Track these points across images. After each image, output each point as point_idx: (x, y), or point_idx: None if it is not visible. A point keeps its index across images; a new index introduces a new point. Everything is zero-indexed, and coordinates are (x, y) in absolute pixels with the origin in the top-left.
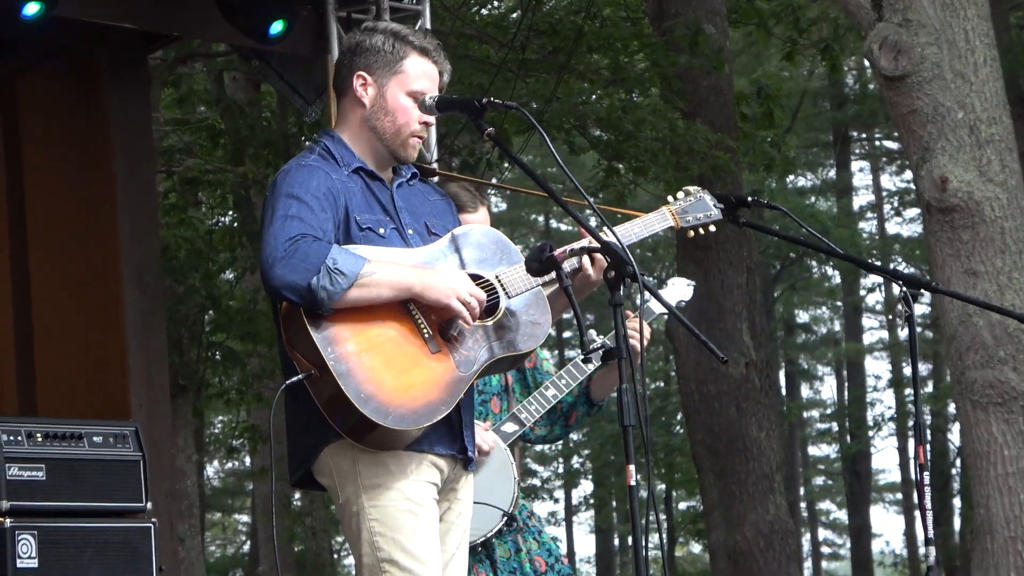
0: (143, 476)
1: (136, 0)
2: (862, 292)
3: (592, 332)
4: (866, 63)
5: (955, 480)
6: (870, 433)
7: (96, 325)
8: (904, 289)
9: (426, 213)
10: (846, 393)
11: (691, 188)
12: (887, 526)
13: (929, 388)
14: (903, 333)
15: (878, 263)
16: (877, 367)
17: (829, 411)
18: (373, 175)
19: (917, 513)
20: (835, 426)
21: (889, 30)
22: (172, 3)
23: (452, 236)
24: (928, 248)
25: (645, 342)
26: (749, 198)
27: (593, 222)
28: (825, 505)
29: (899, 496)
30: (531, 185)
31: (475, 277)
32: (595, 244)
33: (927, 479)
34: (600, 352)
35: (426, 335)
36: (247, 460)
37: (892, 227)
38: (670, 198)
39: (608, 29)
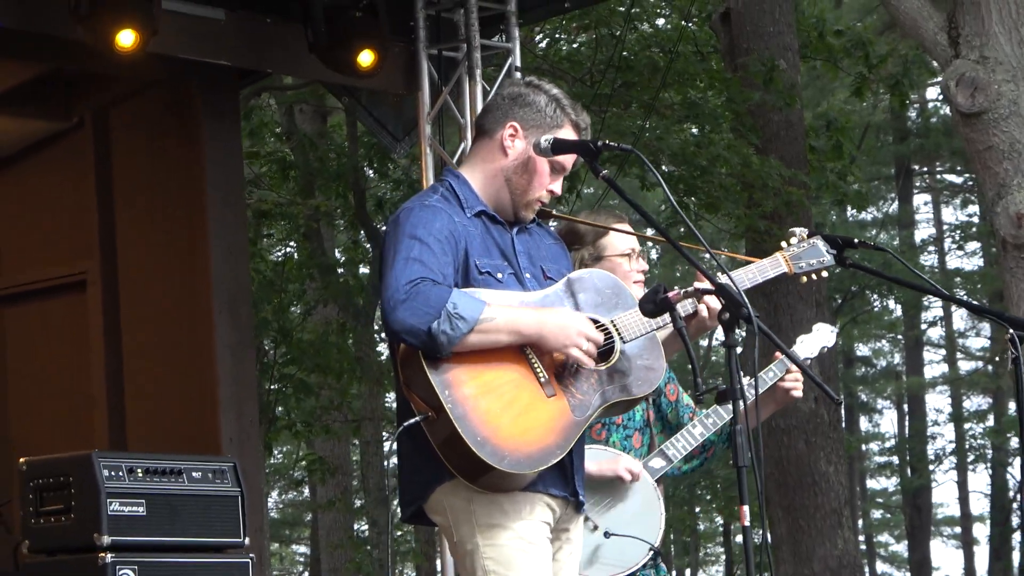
0: (241, 511)
1: (229, 36)
2: (923, 326)
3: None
4: (928, 96)
5: (1015, 514)
6: (931, 467)
7: (187, 358)
8: (1012, 332)
9: (542, 257)
10: (907, 426)
11: (802, 232)
12: (946, 560)
13: (990, 422)
14: (965, 366)
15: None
16: (938, 401)
17: (888, 444)
18: (494, 219)
19: (975, 548)
20: (895, 459)
21: (966, 67)
22: (264, 40)
23: (568, 280)
24: (1004, 284)
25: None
26: (855, 240)
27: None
28: (883, 538)
29: (958, 530)
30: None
31: (591, 321)
32: (709, 286)
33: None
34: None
35: (542, 379)
36: (305, 491)
37: (953, 261)
38: (783, 244)
39: (681, 64)
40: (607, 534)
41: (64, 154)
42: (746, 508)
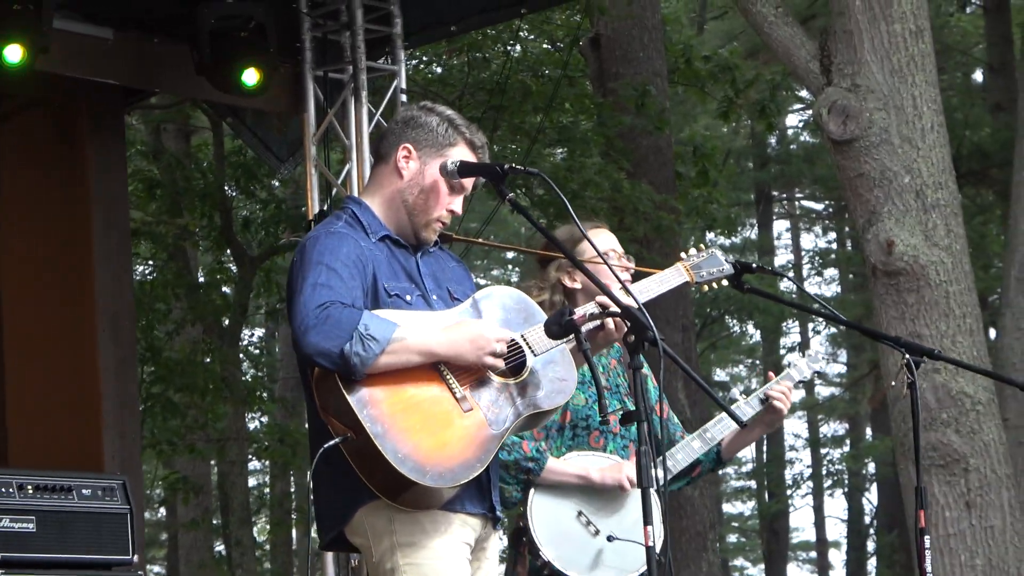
0: (130, 529)
1: (117, 56)
2: (782, 351)
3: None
4: (788, 123)
5: (871, 539)
6: (788, 492)
7: (70, 376)
8: (907, 357)
9: (447, 279)
10: (764, 451)
11: (703, 244)
12: None
13: (847, 448)
14: (823, 392)
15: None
16: (796, 426)
17: (746, 469)
18: (398, 243)
19: (831, 573)
20: (753, 484)
21: (838, 95)
22: (151, 59)
23: (474, 299)
24: (874, 310)
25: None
26: (754, 265)
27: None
28: (739, 562)
29: (814, 555)
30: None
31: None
32: (614, 308)
33: (927, 542)
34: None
35: (458, 395)
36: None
37: (811, 287)
38: (683, 254)
39: (548, 87)
40: (610, 538)
41: None
42: (650, 528)
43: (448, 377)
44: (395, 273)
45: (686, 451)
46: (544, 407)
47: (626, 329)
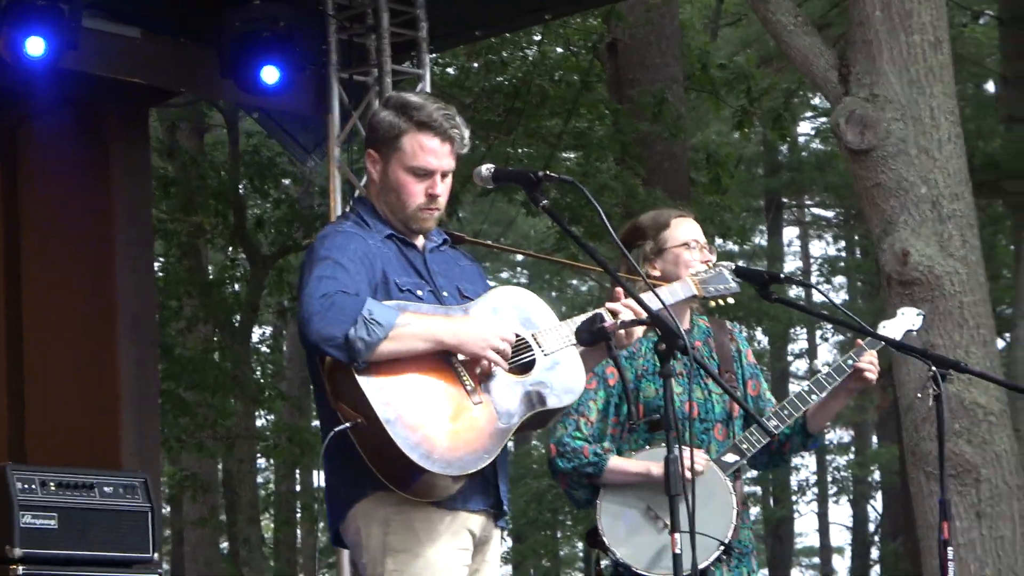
0: (151, 527)
1: (144, 56)
2: (789, 358)
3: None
4: (800, 131)
5: (875, 547)
6: (793, 498)
7: (90, 373)
8: (934, 369)
9: (458, 277)
10: None
11: (713, 261)
12: None
13: (851, 455)
14: None
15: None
16: None
17: (752, 474)
18: (405, 241)
19: None
20: (758, 489)
21: (856, 104)
22: (177, 59)
23: (487, 296)
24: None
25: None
26: (781, 275)
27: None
28: None
29: (817, 560)
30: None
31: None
32: (643, 315)
33: (951, 554)
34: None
35: (468, 387)
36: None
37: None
38: (691, 270)
39: (566, 92)
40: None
41: None
42: (677, 536)
43: (459, 369)
44: (405, 269)
45: (761, 432)
46: (551, 406)
47: (657, 339)
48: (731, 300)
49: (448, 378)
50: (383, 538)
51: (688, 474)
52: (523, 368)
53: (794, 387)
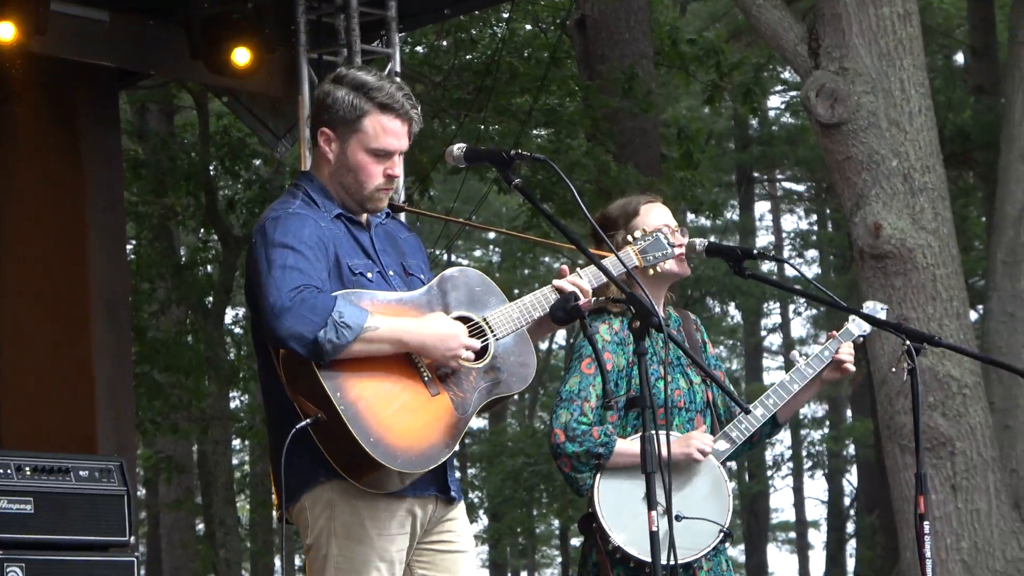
0: (127, 510)
1: (112, 38)
2: (763, 332)
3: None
4: (771, 104)
5: (851, 521)
6: (768, 473)
7: (65, 357)
8: (908, 343)
9: (401, 253)
10: None
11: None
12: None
13: (826, 429)
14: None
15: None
16: None
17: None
18: (353, 220)
19: (810, 553)
20: (733, 464)
21: (826, 78)
22: (146, 41)
23: (441, 278)
24: (860, 293)
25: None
26: (755, 250)
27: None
28: None
29: (793, 535)
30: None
31: (463, 319)
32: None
33: (927, 528)
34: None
35: (426, 378)
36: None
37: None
38: (629, 238)
39: (536, 69)
40: (678, 517)
41: None
42: (654, 513)
43: (417, 360)
44: (355, 250)
45: (750, 420)
46: (505, 392)
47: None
48: (668, 265)
49: (406, 371)
50: (328, 523)
51: (664, 453)
52: (476, 354)
53: (768, 362)
